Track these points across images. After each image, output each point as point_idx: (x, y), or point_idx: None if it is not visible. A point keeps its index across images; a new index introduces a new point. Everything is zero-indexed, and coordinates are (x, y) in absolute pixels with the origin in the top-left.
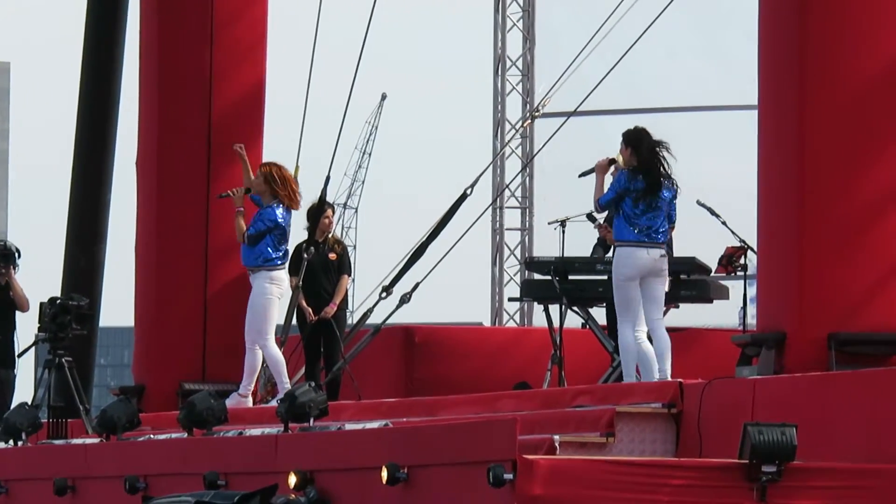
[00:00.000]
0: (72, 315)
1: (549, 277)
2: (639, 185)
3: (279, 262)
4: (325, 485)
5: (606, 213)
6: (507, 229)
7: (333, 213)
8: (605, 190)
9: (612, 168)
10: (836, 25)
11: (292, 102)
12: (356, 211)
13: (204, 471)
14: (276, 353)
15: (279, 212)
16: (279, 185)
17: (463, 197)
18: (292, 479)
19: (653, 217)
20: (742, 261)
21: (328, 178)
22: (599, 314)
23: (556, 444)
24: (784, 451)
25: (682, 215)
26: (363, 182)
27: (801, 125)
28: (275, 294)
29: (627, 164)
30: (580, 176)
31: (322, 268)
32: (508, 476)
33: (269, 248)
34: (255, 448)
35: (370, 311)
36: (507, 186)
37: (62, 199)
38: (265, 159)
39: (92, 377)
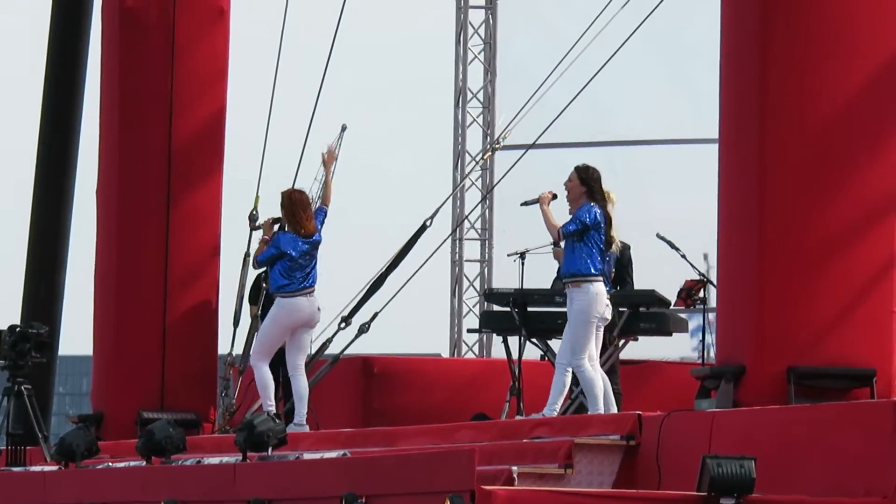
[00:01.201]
0: (31, 343)
1: (508, 309)
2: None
3: (289, 289)
4: None
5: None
6: (466, 261)
7: None
8: (556, 220)
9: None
10: (796, 58)
11: (252, 132)
12: None
13: (162, 499)
14: (267, 375)
15: (284, 239)
16: (285, 211)
17: (422, 228)
18: None
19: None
20: (701, 294)
21: None
22: (558, 346)
23: (515, 475)
24: (743, 484)
25: (642, 248)
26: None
27: (761, 158)
28: (279, 319)
29: (575, 199)
30: (522, 204)
31: None
32: None
33: (278, 275)
34: (213, 477)
35: (329, 340)
36: (467, 218)
37: (22, 227)
38: (225, 188)
39: (51, 405)
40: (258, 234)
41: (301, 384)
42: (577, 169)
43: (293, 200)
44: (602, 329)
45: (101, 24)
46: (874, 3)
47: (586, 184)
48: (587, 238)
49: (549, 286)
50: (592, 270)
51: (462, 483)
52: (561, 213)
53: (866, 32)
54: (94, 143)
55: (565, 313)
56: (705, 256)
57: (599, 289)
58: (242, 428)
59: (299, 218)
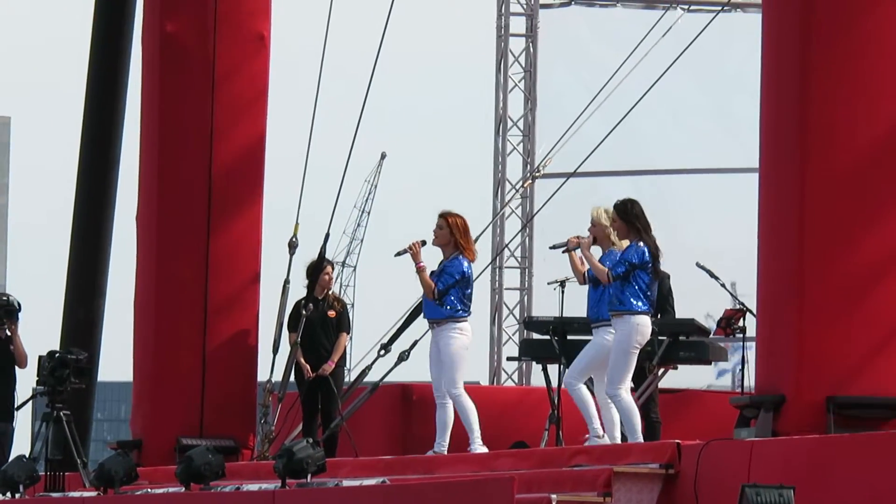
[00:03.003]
0: (70, 369)
1: (547, 337)
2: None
3: (464, 314)
4: None
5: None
6: (506, 289)
7: (333, 269)
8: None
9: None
10: (837, 90)
11: (292, 159)
12: (354, 269)
13: None
14: (468, 402)
15: (465, 264)
16: (463, 235)
17: None
18: None
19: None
20: (741, 323)
21: (328, 235)
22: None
23: (554, 503)
24: None
25: (682, 277)
26: (362, 240)
27: (801, 189)
28: (464, 344)
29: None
30: (551, 248)
31: (321, 325)
32: None
33: (454, 300)
34: (252, 503)
35: (369, 368)
36: (507, 246)
37: (62, 254)
38: (265, 214)
39: (90, 431)
40: (297, 260)
41: (449, 412)
42: (616, 208)
43: (466, 226)
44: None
45: (141, 50)
46: None
47: (629, 222)
48: (633, 277)
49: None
50: (636, 308)
51: None
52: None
53: None
54: (134, 170)
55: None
56: (733, 285)
57: (642, 320)
58: (281, 455)
59: (470, 242)
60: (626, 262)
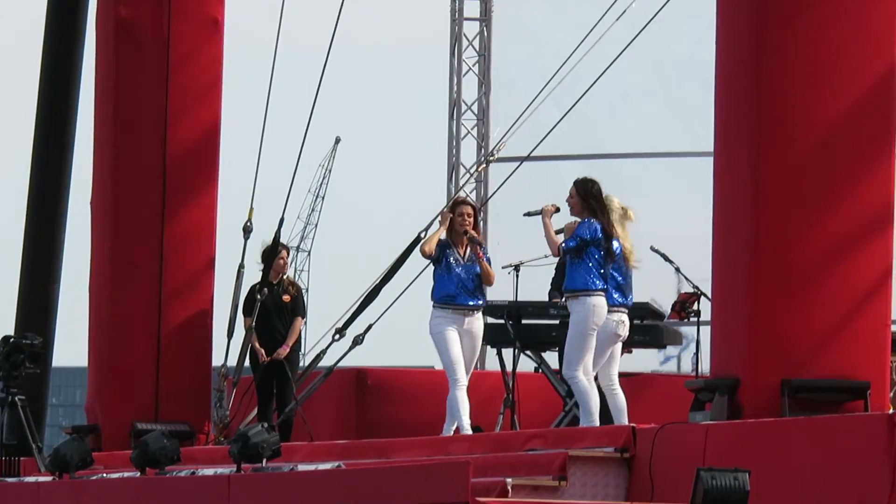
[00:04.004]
0: (25, 354)
1: (502, 321)
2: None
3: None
4: None
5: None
6: None
7: (288, 254)
8: (556, 235)
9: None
10: (793, 72)
11: (247, 144)
12: (309, 254)
13: None
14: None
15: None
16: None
17: (417, 240)
18: None
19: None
20: (695, 307)
21: (282, 220)
22: (552, 358)
23: (509, 488)
24: (737, 497)
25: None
26: (316, 225)
27: (756, 172)
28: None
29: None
30: (525, 215)
31: (275, 309)
32: None
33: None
34: (207, 488)
35: (323, 352)
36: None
37: (16, 238)
38: (220, 199)
39: (45, 416)
40: (252, 245)
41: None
42: (576, 183)
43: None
44: (619, 346)
45: (95, 34)
46: (866, 24)
47: (585, 199)
48: (585, 255)
49: (543, 298)
50: (590, 286)
51: (456, 495)
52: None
53: (859, 50)
54: (88, 155)
55: (559, 325)
56: (678, 270)
57: (597, 301)
58: (237, 439)
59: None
60: (578, 237)
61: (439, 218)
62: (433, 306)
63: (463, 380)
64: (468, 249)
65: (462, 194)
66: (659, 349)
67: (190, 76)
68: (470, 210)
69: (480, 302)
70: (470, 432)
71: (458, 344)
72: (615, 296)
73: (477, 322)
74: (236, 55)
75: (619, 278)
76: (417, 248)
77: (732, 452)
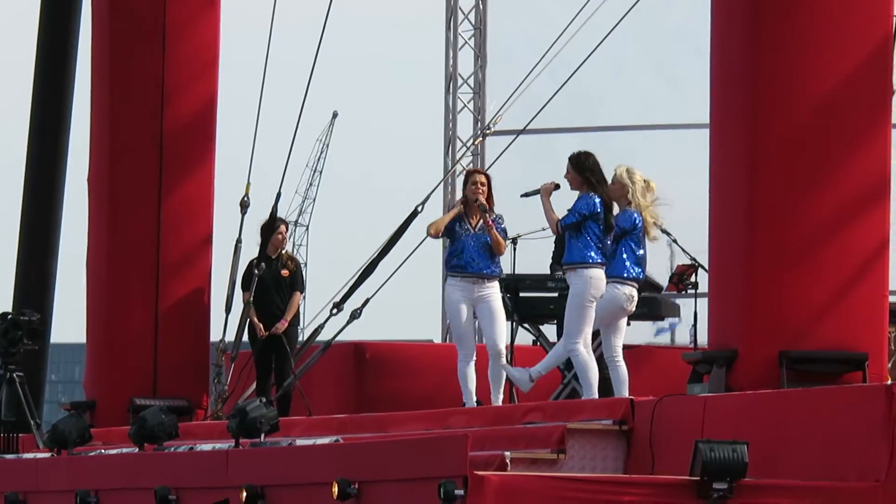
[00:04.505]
0: (23, 330)
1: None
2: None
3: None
4: (275, 500)
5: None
6: None
7: (287, 229)
8: (555, 213)
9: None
10: (788, 45)
11: (243, 119)
12: (307, 228)
13: (155, 486)
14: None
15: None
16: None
17: (414, 214)
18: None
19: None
20: (693, 279)
21: (279, 195)
22: (550, 331)
23: (508, 461)
24: (735, 469)
25: None
26: (314, 200)
27: (752, 143)
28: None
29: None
30: (522, 196)
31: (274, 284)
32: (459, 492)
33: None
34: (206, 463)
35: (321, 327)
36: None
37: (13, 215)
38: (217, 174)
39: (43, 392)
40: (249, 220)
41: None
42: (570, 159)
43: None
44: (625, 319)
45: (91, 10)
46: None
47: (581, 173)
48: (584, 229)
49: (540, 272)
50: (587, 260)
51: (455, 469)
52: (563, 201)
53: (855, 21)
54: (85, 131)
55: (557, 298)
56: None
57: (595, 273)
58: (235, 414)
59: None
60: (576, 212)
61: (454, 205)
62: (448, 275)
63: (469, 354)
64: (480, 219)
65: (472, 166)
66: (656, 321)
67: (186, 50)
68: (483, 179)
69: (493, 270)
70: (474, 406)
71: (465, 317)
72: (634, 270)
73: (489, 290)
74: (233, 29)
75: (640, 251)
76: (426, 227)
77: (731, 424)
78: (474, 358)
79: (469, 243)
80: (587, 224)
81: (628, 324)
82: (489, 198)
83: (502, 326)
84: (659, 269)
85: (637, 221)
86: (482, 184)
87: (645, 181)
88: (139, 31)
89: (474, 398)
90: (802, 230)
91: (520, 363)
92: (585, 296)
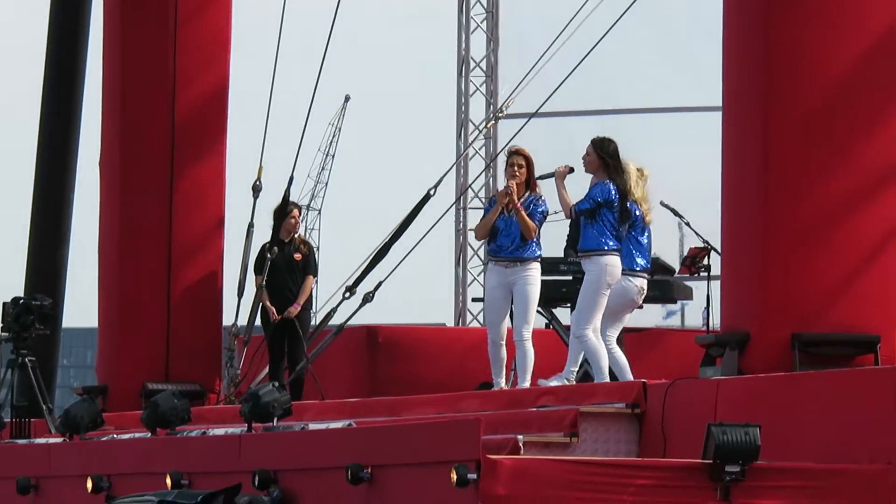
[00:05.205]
0: (35, 315)
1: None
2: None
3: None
4: (288, 484)
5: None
6: (470, 229)
7: (300, 213)
8: (570, 197)
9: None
10: (801, 27)
11: (256, 104)
12: (319, 212)
13: (167, 470)
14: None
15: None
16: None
17: (426, 197)
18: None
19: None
20: (705, 261)
21: (291, 179)
22: (563, 314)
23: (520, 444)
24: (748, 452)
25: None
26: (326, 184)
27: (765, 126)
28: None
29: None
30: (536, 179)
31: (287, 268)
32: (472, 476)
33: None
34: (218, 448)
35: (333, 310)
36: (471, 186)
37: (25, 200)
38: (228, 158)
39: (55, 377)
40: (262, 204)
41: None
42: (593, 142)
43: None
44: (630, 311)
45: None
46: None
47: (601, 158)
48: (599, 216)
49: (553, 255)
50: (603, 247)
51: (468, 453)
52: (576, 184)
53: (869, 2)
54: (97, 116)
55: (569, 282)
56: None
57: (611, 261)
58: (247, 399)
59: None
60: (591, 198)
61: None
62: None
63: (496, 339)
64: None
65: (514, 145)
66: (668, 304)
67: (198, 34)
68: (521, 161)
69: (526, 253)
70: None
71: (494, 301)
72: (640, 260)
73: (524, 273)
74: (245, 13)
75: (644, 240)
76: (474, 232)
77: (743, 407)
78: (502, 342)
79: (502, 227)
80: (602, 211)
81: (640, 306)
82: (529, 178)
83: (527, 312)
84: (671, 251)
85: (637, 212)
86: (519, 165)
87: (638, 170)
88: (151, 16)
89: (503, 379)
90: (815, 213)
91: (534, 346)
92: (601, 283)
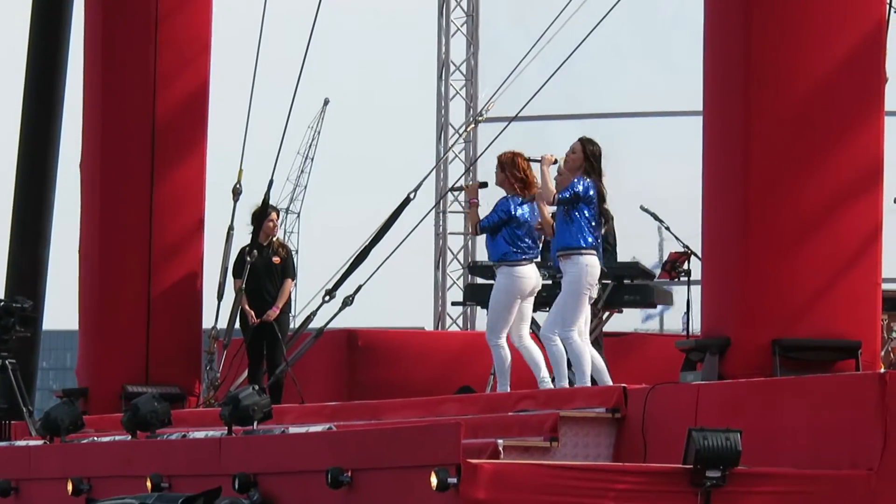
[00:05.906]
0: (15, 317)
1: (492, 282)
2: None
3: (515, 257)
4: (268, 488)
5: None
6: (450, 233)
7: (278, 216)
8: (553, 185)
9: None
10: (781, 32)
11: (236, 106)
12: (299, 215)
13: (148, 473)
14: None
15: (513, 203)
16: (521, 172)
17: (406, 201)
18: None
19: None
20: (686, 266)
21: (271, 182)
22: (542, 318)
23: (500, 449)
24: (728, 457)
25: (626, 220)
26: (306, 187)
27: (745, 130)
28: (511, 289)
29: (573, 170)
30: (527, 160)
31: (265, 271)
32: (452, 480)
33: (504, 242)
34: (198, 451)
35: (313, 314)
36: (451, 190)
37: (5, 201)
38: (208, 161)
39: (35, 379)
40: (241, 207)
41: (532, 351)
42: (582, 140)
43: (519, 162)
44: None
45: None
46: None
47: (587, 158)
48: (577, 212)
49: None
50: (583, 244)
51: (448, 457)
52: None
53: (848, 7)
54: (77, 117)
55: (549, 286)
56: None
57: (590, 261)
58: (227, 402)
59: (532, 179)
60: (572, 189)
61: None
62: None
63: (496, 340)
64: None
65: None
66: (649, 309)
67: (178, 37)
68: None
69: (523, 256)
70: (507, 389)
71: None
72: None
73: (521, 275)
74: (225, 16)
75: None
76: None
77: (724, 412)
78: (500, 342)
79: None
80: (580, 207)
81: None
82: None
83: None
84: (650, 256)
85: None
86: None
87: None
88: (131, 16)
89: (508, 377)
90: (795, 218)
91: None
92: (581, 283)
